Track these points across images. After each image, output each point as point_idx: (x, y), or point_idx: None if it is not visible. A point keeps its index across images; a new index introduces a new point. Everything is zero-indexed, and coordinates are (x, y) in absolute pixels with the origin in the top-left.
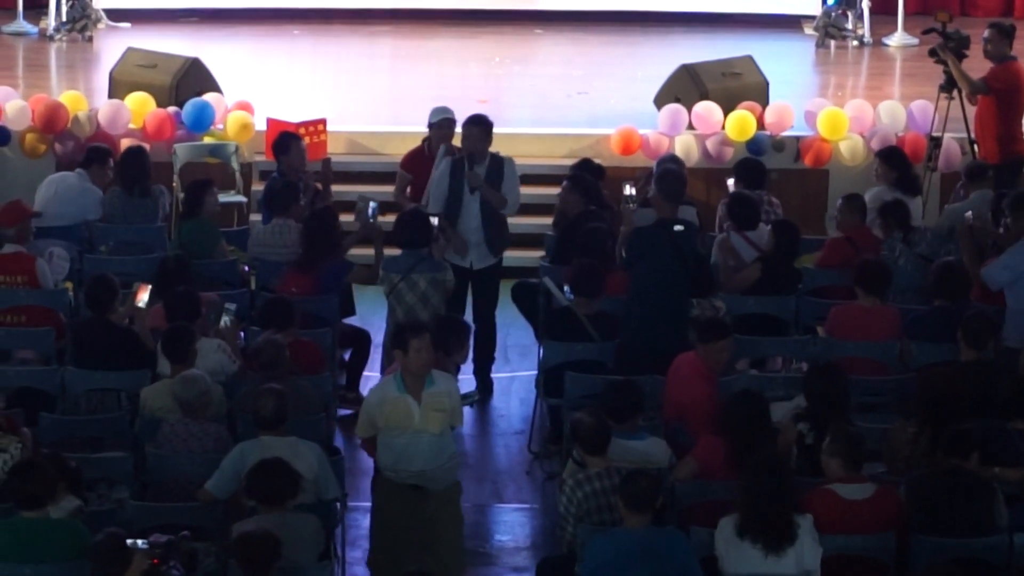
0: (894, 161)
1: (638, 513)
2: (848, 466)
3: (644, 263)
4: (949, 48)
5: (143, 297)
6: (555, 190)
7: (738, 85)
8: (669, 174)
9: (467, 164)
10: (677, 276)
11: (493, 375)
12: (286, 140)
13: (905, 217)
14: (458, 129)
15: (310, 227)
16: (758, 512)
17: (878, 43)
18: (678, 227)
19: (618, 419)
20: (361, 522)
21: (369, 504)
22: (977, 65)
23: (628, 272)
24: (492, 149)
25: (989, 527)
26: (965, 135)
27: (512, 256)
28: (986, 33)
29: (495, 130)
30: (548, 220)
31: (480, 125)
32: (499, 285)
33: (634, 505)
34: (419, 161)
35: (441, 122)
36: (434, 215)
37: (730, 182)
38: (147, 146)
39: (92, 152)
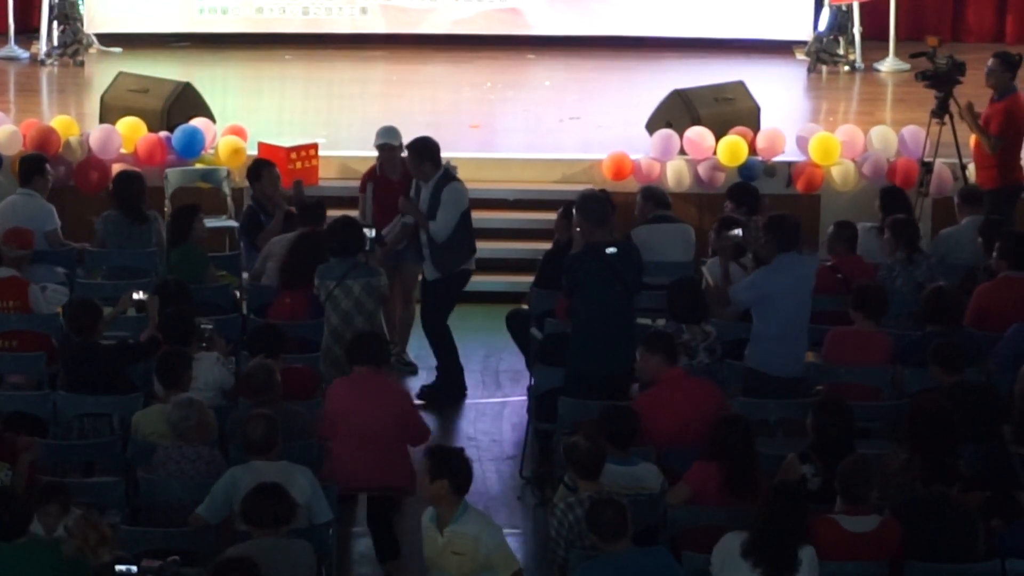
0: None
1: (613, 541)
2: (847, 500)
3: (582, 290)
4: (942, 76)
5: (138, 296)
6: (547, 215)
7: (730, 110)
8: (588, 199)
9: (414, 187)
10: (617, 299)
11: (484, 400)
12: (258, 167)
13: (913, 238)
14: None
15: (301, 247)
16: (766, 537)
17: (870, 68)
18: (610, 249)
19: (618, 445)
20: (352, 547)
21: (358, 529)
22: (970, 92)
23: (569, 299)
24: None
25: (972, 551)
26: (956, 160)
27: (505, 280)
28: (990, 63)
29: (489, 155)
30: (540, 245)
31: (409, 150)
32: (447, 298)
33: (604, 535)
34: (373, 181)
35: (379, 146)
36: (368, 227)
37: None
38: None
39: (29, 165)
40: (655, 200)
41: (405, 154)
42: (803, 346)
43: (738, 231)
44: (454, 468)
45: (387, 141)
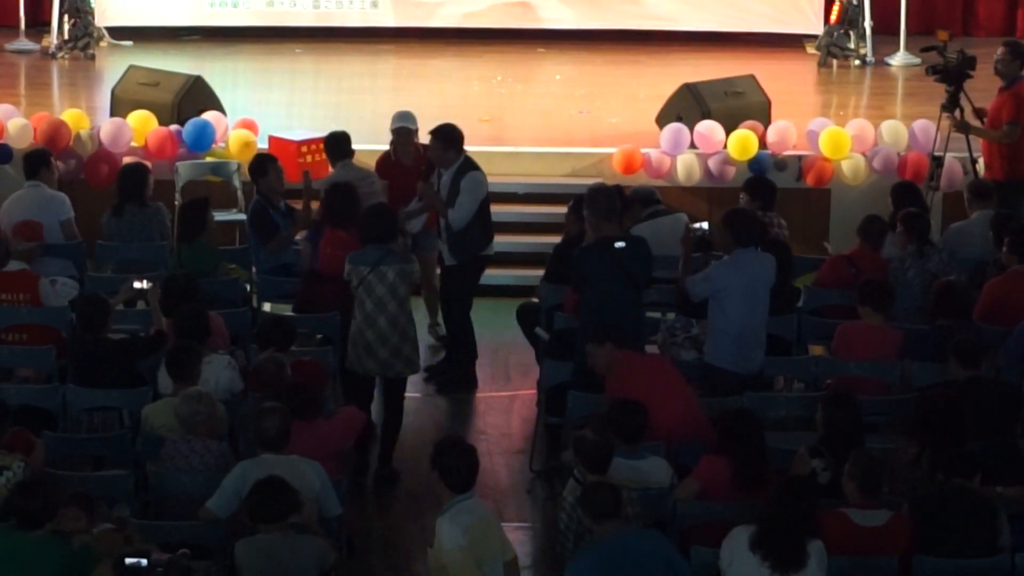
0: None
1: (603, 520)
2: (864, 494)
3: (589, 284)
4: (952, 71)
5: (138, 285)
6: (557, 209)
7: (740, 104)
8: (596, 193)
9: (435, 173)
10: (624, 294)
11: (494, 394)
12: (263, 162)
13: (924, 231)
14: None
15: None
16: (774, 530)
17: (880, 63)
18: (619, 244)
19: (626, 439)
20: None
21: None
22: (981, 86)
23: (577, 293)
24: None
25: (992, 547)
26: (967, 154)
27: (515, 274)
28: (999, 51)
29: (499, 149)
30: (550, 239)
31: (434, 137)
32: (467, 286)
33: (594, 514)
34: (388, 166)
35: (397, 130)
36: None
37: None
38: (149, 164)
39: (34, 160)
40: (643, 202)
41: (419, 139)
42: (760, 343)
43: (703, 224)
44: (446, 464)
45: (404, 125)
